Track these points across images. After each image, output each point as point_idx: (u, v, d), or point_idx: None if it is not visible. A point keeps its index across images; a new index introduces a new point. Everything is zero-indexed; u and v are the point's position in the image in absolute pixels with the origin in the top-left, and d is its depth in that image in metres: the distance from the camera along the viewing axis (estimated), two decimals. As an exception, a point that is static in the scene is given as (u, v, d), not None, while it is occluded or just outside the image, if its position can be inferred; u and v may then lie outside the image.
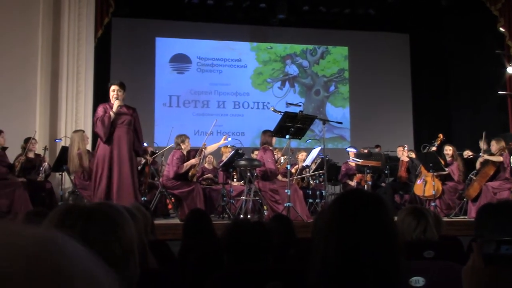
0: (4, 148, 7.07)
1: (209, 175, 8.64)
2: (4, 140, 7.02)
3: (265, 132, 7.30)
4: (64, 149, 7.44)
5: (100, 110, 5.91)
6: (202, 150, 7.41)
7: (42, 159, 7.49)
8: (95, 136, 6.67)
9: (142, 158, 7.34)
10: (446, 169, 7.73)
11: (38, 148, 7.62)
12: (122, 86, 5.94)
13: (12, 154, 7.24)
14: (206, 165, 8.86)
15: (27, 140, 7.29)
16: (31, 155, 7.38)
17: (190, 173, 7.21)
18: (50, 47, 8.51)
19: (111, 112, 5.83)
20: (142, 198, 7.24)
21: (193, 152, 7.41)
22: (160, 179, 7.27)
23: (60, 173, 7.47)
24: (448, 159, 7.91)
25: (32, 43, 8.26)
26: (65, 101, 8.57)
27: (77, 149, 6.91)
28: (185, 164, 7.13)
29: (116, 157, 5.79)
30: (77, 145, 6.91)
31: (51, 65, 8.50)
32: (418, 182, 7.84)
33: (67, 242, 0.48)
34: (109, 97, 6.02)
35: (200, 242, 3.34)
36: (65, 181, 7.68)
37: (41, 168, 7.40)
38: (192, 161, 7.22)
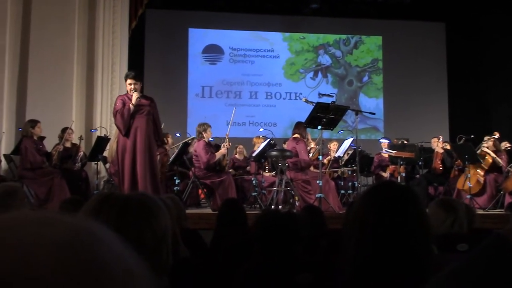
0: (42, 138, 7.22)
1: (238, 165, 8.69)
2: (41, 130, 7.13)
3: (299, 124, 7.29)
4: (100, 139, 7.58)
5: (118, 102, 5.84)
6: (226, 140, 7.44)
7: (78, 148, 7.62)
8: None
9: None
10: (501, 162, 7.48)
11: (74, 138, 7.76)
12: (137, 78, 5.87)
13: (50, 144, 7.40)
14: (237, 155, 8.91)
15: (64, 130, 7.42)
16: (68, 144, 7.51)
17: (223, 163, 7.25)
18: (86, 39, 8.65)
19: (130, 105, 5.77)
20: (175, 188, 7.38)
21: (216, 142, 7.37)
22: (192, 169, 7.32)
23: (96, 162, 7.61)
24: (492, 150, 7.63)
25: (68, 36, 8.41)
26: (100, 92, 8.71)
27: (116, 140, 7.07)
28: (216, 154, 7.17)
29: (140, 148, 5.75)
30: (116, 136, 7.06)
31: (87, 57, 8.65)
32: (461, 175, 7.60)
33: (102, 232, 0.48)
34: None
35: (232, 231, 3.35)
36: (101, 170, 7.83)
37: (77, 157, 7.54)
38: (222, 151, 7.27)
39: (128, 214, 1.16)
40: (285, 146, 8.32)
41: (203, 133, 7.30)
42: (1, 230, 0.44)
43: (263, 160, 7.92)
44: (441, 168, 8.29)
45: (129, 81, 5.82)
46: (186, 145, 7.55)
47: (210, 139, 7.63)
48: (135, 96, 5.76)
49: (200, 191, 7.70)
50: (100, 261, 0.45)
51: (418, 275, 1.20)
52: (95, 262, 0.44)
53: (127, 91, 5.91)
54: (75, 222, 0.48)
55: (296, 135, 7.25)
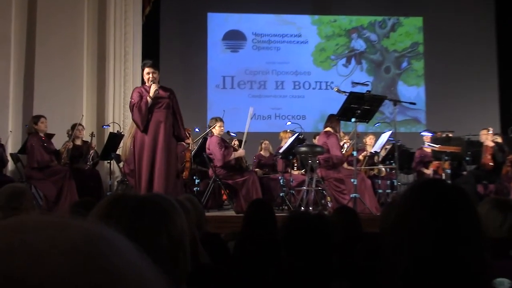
0: (51, 136, 7.29)
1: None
2: (45, 125, 7.13)
3: (331, 116, 7.29)
4: (112, 136, 7.69)
5: (135, 95, 5.81)
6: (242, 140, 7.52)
7: (89, 146, 7.68)
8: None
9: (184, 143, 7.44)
10: None
11: (85, 135, 7.81)
12: (156, 66, 5.87)
13: (59, 142, 7.46)
14: (262, 152, 8.95)
15: (74, 127, 7.46)
16: (78, 142, 7.57)
17: (243, 164, 7.39)
18: (96, 28, 8.74)
19: (148, 98, 5.75)
20: (195, 189, 7.46)
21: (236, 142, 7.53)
22: (211, 167, 7.38)
23: (109, 161, 7.71)
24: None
25: (77, 24, 8.51)
26: (113, 85, 8.81)
27: (131, 137, 7.14)
28: (232, 156, 7.25)
29: (159, 145, 5.74)
30: (134, 130, 7.13)
31: (97, 47, 8.73)
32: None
33: (116, 237, 0.49)
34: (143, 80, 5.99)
35: (259, 234, 3.37)
36: (114, 170, 7.94)
37: (88, 155, 7.61)
38: (241, 152, 7.38)
39: (142, 217, 1.17)
40: (315, 141, 8.31)
41: (212, 129, 7.40)
42: (11, 235, 0.45)
43: (291, 157, 7.91)
44: (491, 163, 8.13)
45: (147, 70, 5.80)
46: (206, 140, 7.59)
47: (232, 134, 7.62)
48: (153, 88, 5.73)
49: (222, 191, 7.77)
50: (114, 268, 0.46)
51: (469, 282, 1.19)
52: (109, 269, 0.45)
53: (144, 82, 5.92)
54: (87, 226, 0.49)
55: (328, 129, 7.26)
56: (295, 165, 8.38)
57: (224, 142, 7.44)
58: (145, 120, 5.70)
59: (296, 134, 7.76)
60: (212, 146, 7.28)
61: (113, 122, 8.53)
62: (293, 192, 7.53)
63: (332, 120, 7.27)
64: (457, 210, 1.25)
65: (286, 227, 2.10)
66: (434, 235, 1.22)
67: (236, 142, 8.02)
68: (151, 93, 5.71)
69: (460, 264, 1.20)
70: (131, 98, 5.89)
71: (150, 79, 5.76)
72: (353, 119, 6.46)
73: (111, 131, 8.10)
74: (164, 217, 1.20)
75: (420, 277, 1.22)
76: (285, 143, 8.07)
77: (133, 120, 5.89)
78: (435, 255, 1.22)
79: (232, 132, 8.35)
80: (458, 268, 1.20)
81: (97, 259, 0.45)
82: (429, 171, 8.69)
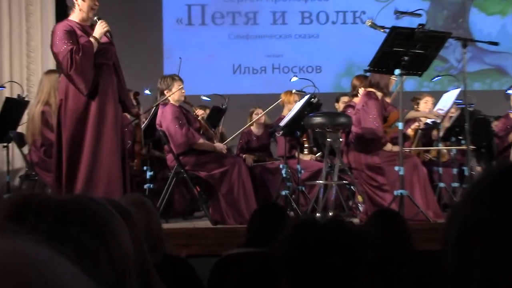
0: None
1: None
2: None
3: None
4: (11, 103, 7.60)
5: (63, 35, 5.78)
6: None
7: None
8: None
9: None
10: None
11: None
12: None
13: None
14: (253, 128, 8.95)
15: None
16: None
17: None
18: None
19: (92, 40, 5.80)
20: (146, 186, 7.44)
21: (201, 111, 7.48)
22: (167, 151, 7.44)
23: (5, 144, 7.65)
24: None
25: None
26: (8, 26, 8.89)
27: (43, 104, 7.09)
28: (201, 142, 7.26)
29: (108, 118, 5.82)
30: (45, 97, 7.09)
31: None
32: None
33: (56, 263, 0.53)
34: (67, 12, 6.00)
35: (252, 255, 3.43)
36: (14, 158, 7.94)
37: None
38: (219, 145, 7.43)
39: (67, 235, 1.18)
40: (338, 107, 8.28)
41: (165, 92, 7.37)
42: None
43: (298, 134, 7.76)
44: None
45: None
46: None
47: (205, 98, 7.57)
48: (102, 25, 5.82)
49: (191, 190, 7.70)
50: None
51: None
52: None
53: (64, 18, 5.97)
54: (15, 247, 0.52)
55: (370, 89, 7.29)
56: (306, 145, 8.38)
57: (186, 114, 7.41)
58: (91, 77, 5.70)
59: (306, 97, 7.67)
60: (166, 122, 7.25)
61: (11, 82, 8.55)
62: (303, 188, 7.54)
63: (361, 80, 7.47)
64: None
65: (289, 243, 2.11)
66: None
67: (201, 112, 7.80)
68: (98, 32, 5.76)
69: None
70: (56, 40, 5.80)
71: (92, 8, 5.80)
72: (397, 71, 6.43)
73: (8, 95, 8.06)
74: (102, 233, 1.21)
75: None
76: (289, 111, 8.00)
77: (69, 77, 5.78)
78: None
79: (204, 96, 8.33)
80: None
81: (20, 284, 0.48)
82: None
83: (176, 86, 7.34)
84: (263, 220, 3.89)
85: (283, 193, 7.55)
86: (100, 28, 5.78)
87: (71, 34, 5.75)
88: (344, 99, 8.72)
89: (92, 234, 1.19)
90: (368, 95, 7.24)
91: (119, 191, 5.67)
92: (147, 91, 8.79)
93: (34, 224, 1.18)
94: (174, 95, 7.32)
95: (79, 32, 5.79)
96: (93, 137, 5.72)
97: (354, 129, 7.22)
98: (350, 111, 7.60)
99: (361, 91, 7.45)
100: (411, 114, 8.13)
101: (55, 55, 5.88)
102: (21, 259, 0.51)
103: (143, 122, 7.69)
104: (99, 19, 5.81)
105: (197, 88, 8.32)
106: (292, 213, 7.19)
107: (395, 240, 3.63)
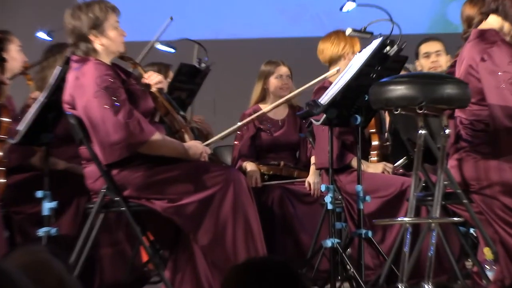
0: None
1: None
2: None
3: None
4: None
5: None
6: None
7: None
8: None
9: None
10: None
11: None
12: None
13: None
14: (262, 104, 7.07)
15: None
16: None
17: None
18: None
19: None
20: (42, 231, 5.68)
21: (158, 77, 5.79)
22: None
23: None
24: None
25: None
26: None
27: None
28: (157, 139, 5.53)
29: None
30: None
31: None
32: None
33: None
34: None
35: None
36: None
37: None
38: (195, 146, 5.57)
39: None
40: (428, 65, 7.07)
41: (91, 36, 5.34)
42: None
43: (359, 120, 5.87)
44: None
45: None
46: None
47: (164, 48, 6.62)
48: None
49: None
50: None
51: None
52: None
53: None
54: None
55: (490, 25, 5.11)
56: (374, 144, 6.59)
57: (127, 83, 5.52)
58: None
59: (376, 42, 5.51)
60: (86, 98, 5.25)
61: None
62: (369, 234, 5.55)
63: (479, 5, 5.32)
64: None
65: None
66: None
67: (157, 79, 6.05)
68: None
69: None
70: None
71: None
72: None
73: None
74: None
75: None
76: (341, 73, 5.82)
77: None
78: None
79: (162, 43, 6.71)
80: None
81: None
82: None
83: (111, 22, 5.36)
84: None
85: (328, 243, 5.43)
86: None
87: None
88: (437, 46, 7.14)
89: None
90: (489, 37, 5.03)
91: None
92: (41, 34, 7.06)
93: None
94: (106, 40, 5.34)
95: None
96: None
97: (471, 110, 4.83)
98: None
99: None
100: None
101: None
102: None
103: (30, 102, 6.00)
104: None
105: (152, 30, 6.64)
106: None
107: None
